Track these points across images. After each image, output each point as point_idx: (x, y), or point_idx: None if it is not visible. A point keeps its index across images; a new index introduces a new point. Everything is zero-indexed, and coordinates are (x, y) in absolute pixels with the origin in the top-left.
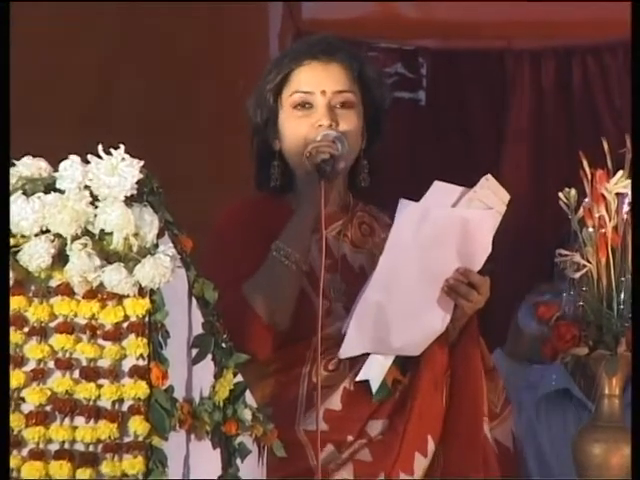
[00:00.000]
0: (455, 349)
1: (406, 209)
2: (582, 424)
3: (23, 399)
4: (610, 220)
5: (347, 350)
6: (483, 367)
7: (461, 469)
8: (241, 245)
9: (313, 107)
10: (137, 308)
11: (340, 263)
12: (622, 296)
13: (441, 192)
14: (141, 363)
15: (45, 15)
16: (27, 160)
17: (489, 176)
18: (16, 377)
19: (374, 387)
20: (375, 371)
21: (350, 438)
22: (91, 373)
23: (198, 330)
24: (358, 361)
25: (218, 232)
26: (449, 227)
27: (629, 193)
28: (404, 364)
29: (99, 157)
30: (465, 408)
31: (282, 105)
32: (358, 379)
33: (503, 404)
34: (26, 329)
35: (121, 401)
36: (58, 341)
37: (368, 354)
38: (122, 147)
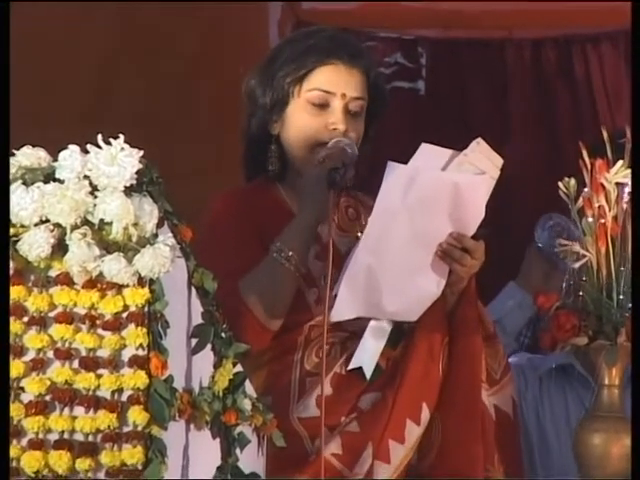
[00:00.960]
0: (454, 315)
1: (394, 172)
2: (584, 401)
3: (22, 389)
4: (610, 210)
5: (339, 312)
6: (483, 333)
7: (459, 438)
8: (232, 238)
9: (330, 108)
10: (137, 298)
11: (331, 250)
12: (622, 286)
13: (429, 154)
14: (140, 353)
15: (45, 12)
16: (26, 150)
17: (480, 140)
18: (15, 367)
19: (368, 373)
20: (368, 357)
21: (343, 419)
22: (90, 363)
23: (197, 320)
24: (349, 346)
25: (208, 223)
26: (439, 191)
27: (629, 183)
28: (396, 341)
29: (98, 147)
30: (463, 375)
31: (298, 95)
32: (351, 367)
33: (503, 370)
34: (25, 319)
35: (120, 391)
36: (57, 331)
37: (359, 339)
38: (121, 137)
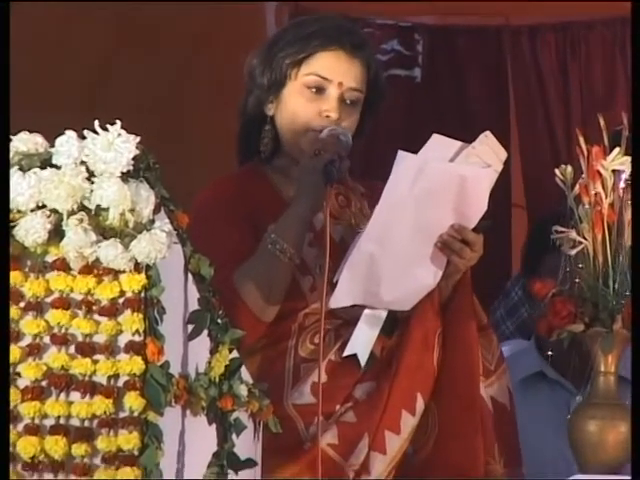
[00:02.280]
0: (448, 306)
1: (404, 161)
2: (561, 404)
3: (19, 374)
4: (606, 197)
5: (338, 299)
6: (477, 324)
7: (458, 431)
8: (223, 224)
9: (325, 94)
10: (133, 284)
11: (321, 237)
12: (618, 273)
13: (439, 145)
14: (137, 339)
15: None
16: (23, 135)
17: (488, 133)
18: (12, 352)
19: (362, 360)
20: (362, 344)
21: (338, 407)
22: (87, 348)
23: (194, 306)
24: (342, 333)
25: (199, 210)
26: (445, 182)
27: (625, 170)
28: (390, 330)
29: (95, 133)
30: (460, 367)
31: (295, 78)
32: (346, 354)
33: (497, 361)
34: (22, 304)
35: (117, 376)
36: (54, 316)
37: (353, 326)
38: (118, 123)
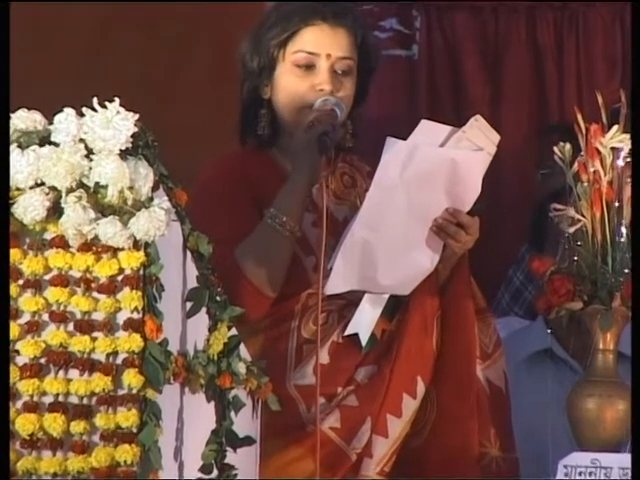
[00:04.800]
0: (446, 290)
1: (393, 147)
2: (567, 383)
3: (18, 352)
4: (605, 175)
5: (333, 286)
6: (474, 308)
7: (454, 413)
8: (226, 202)
9: (315, 68)
10: (132, 261)
11: (325, 216)
12: (617, 251)
13: (429, 131)
14: (135, 316)
15: None
16: (22, 113)
17: (478, 116)
18: (11, 330)
19: (363, 340)
20: (364, 324)
21: (340, 389)
22: (85, 326)
23: (192, 283)
24: (346, 315)
25: (202, 187)
26: (437, 167)
27: (624, 147)
28: (392, 312)
29: (94, 110)
30: (457, 350)
31: (283, 58)
32: (347, 333)
33: (495, 344)
34: (21, 282)
35: (115, 354)
36: (53, 294)
37: (356, 307)
38: (117, 100)
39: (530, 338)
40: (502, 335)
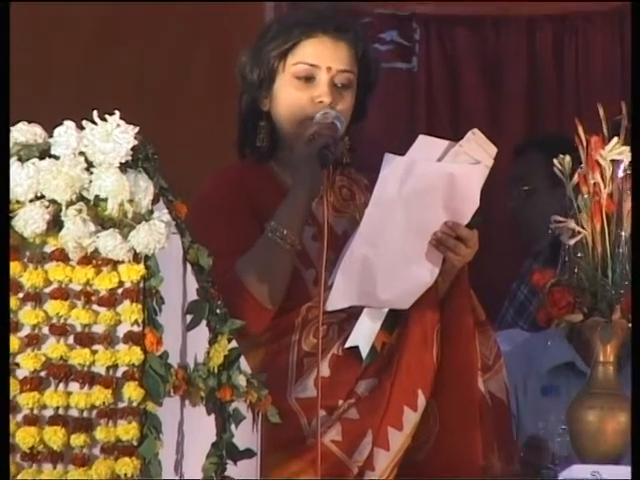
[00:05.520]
0: (446, 303)
1: (391, 162)
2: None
3: (18, 365)
4: (605, 187)
5: (334, 302)
6: (474, 320)
7: (457, 425)
8: (225, 215)
9: (315, 81)
10: (132, 274)
11: (325, 230)
12: (617, 264)
13: (426, 146)
14: (136, 329)
15: None
16: (22, 126)
17: (476, 130)
18: (11, 343)
19: (364, 352)
20: (364, 336)
21: (340, 402)
22: (86, 339)
23: (193, 296)
24: (346, 327)
25: (202, 200)
26: (435, 182)
27: (624, 160)
28: (392, 325)
29: (94, 123)
30: (458, 363)
31: (283, 70)
32: (347, 345)
33: (495, 356)
34: (21, 295)
35: (115, 367)
36: (53, 307)
37: (356, 320)
38: (117, 113)
39: (552, 351)
40: (506, 348)
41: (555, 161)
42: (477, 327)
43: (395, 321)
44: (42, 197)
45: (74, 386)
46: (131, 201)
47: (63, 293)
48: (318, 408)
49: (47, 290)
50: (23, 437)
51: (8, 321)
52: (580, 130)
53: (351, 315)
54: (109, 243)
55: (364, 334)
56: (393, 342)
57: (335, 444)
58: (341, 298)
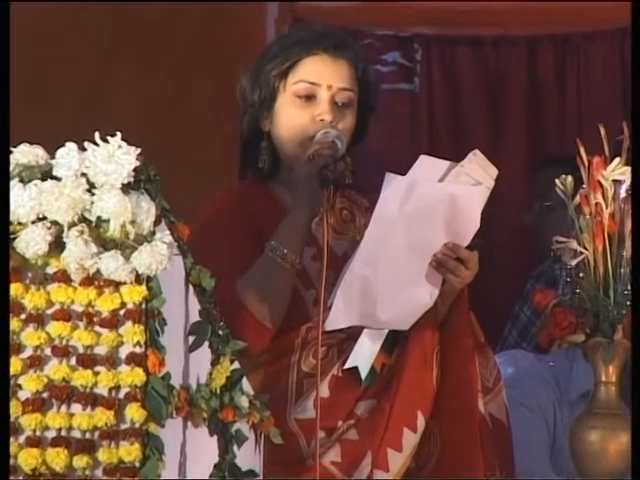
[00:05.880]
0: (445, 325)
1: (392, 182)
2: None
3: (20, 386)
4: (607, 207)
5: (333, 322)
6: (474, 342)
7: (459, 446)
8: (226, 236)
9: (316, 99)
10: (134, 295)
11: (325, 250)
12: (619, 284)
13: (428, 166)
14: (138, 350)
15: (43, 4)
16: (24, 147)
17: (477, 151)
18: (13, 364)
19: (363, 373)
20: (363, 357)
21: (340, 423)
22: (88, 360)
23: (195, 317)
24: (346, 349)
25: (202, 222)
26: (436, 202)
27: (626, 180)
28: (392, 346)
29: (96, 144)
30: (458, 384)
31: (284, 89)
32: (347, 366)
33: (495, 378)
34: (23, 316)
35: (118, 388)
36: (55, 328)
37: (356, 341)
38: (119, 134)
39: (582, 377)
40: (509, 369)
41: (557, 181)
42: (477, 349)
43: (395, 342)
44: (44, 218)
45: (76, 407)
46: (133, 222)
47: (65, 314)
48: (317, 429)
49: (49, 311)
50: (25, 459)
51: (8, 342)
52: (582, 150)
53: (350, 336)
54: (111, 264)
55: (364, 355)
56: (393, 363)
57: (334, 465)
58: (341, 318)
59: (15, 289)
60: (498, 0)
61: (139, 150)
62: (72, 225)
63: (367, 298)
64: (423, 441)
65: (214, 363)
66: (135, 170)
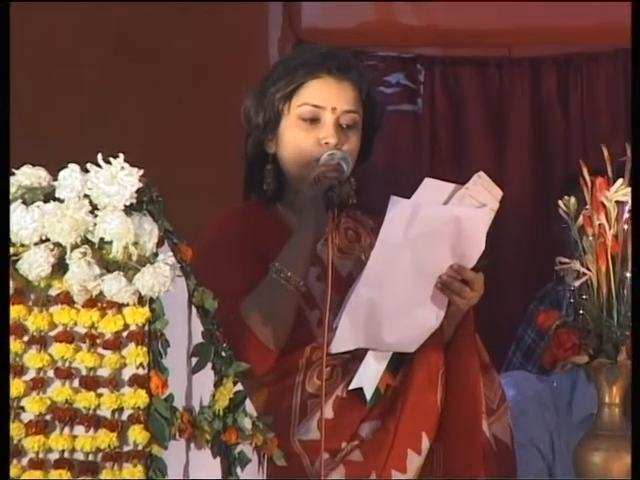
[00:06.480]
0: (451, 346)
1: (397, 205)
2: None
3: (23, 408)
4: (610, 228)
5: (338, 345)
6: (479, 363)
7: (462, 467)
8: (231, 257)
9: (320, 122)
10: (137, 317)
11: (330, 271)
12: (622, 305)
13: (432, 189)
14: (141, 372)
15: (45, 16)
16: (26, 169)
17: (481, 173)
18: (16, 386)
19: (368, 394)
20: (368, 378)
21: (344, 444)
22: (91, 382)
23: (198, 339)
24: (350, 369)
25: (207, 243)
26: (441, 225)
27: (629, 201)
28: (397, 367)
29: (98, 166)
30: (463, 406)
31: (288, 112)
32: (351, 387)
33: (500, 400)
34: (26, 338)
35: (121, 410)
36: (58, 350)
37: (360, 362)
38: (121, 156)
39: (587, 400)
40: (512, 391)
41: (560, 202)
42: (482, 370)
43: (400, 363)
44: (47, 240)
45: (79, 429)
46: (136, 244)
47: (68, 336)
48: (322, 450)
49: (52, 333)
50: None
51: (8, 364)
52: (585, 171)
53: (355, 357)
54: (114, 286)
55: (368, 376)
56: (397, 384)
57: None
58: (347, 341)
59: (18, 311)
60: (501, 21)
61: (142, 171)
62: (75, 247)
63: (373, 321)
64: (427, 463)
65: (217, 385)
66: (138, 191)
